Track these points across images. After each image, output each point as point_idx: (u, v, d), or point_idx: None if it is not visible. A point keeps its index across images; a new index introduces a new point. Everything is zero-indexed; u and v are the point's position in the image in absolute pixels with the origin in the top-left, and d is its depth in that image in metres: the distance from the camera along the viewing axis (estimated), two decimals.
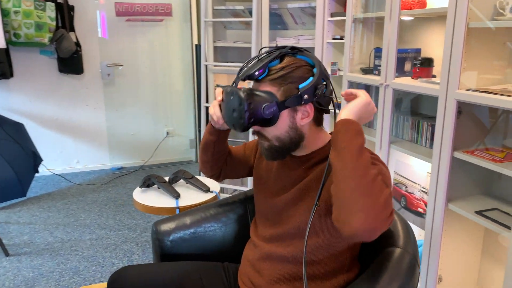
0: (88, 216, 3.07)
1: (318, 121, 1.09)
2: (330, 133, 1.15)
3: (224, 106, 1.07)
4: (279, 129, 1.04)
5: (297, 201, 1.09)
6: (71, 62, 3.69)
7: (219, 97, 1.12)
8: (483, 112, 1.76)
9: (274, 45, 2.83)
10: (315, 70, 1.03)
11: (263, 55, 1.05)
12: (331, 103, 1.07)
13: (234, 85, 1.06)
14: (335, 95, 1.08)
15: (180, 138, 4.41)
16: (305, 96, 1.00)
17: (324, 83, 1.03)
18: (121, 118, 4.13)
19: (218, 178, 1.35)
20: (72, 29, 3.67)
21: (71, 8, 3.66)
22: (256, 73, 1.01)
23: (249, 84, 1.22)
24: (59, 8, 3.53)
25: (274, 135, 1.05)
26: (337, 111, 1.06)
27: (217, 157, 1.28)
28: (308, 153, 1.11)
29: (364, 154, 0.90)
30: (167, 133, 4.34)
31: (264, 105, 0.99)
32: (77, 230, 2.86)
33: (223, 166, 1.32)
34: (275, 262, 1.13)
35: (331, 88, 1.06)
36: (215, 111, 1.13)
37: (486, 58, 1.70)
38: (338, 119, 0.96)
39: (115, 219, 3.02)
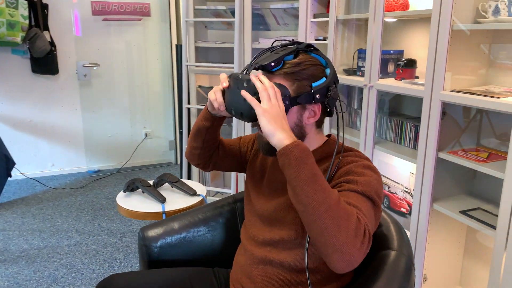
0: (65, 221, 2.97)
1: (319, 123, 1.09)
2: (327, 135, 1.14)
3: (231, 93, 1.02)
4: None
5: (292, 206, 1.07)
6: (45, 62, 3.57)
7: (225, 83, 1.06)
8: (460, 112, 1.79)
9: (257, 45, 2.81)
10: (327, 70, 1.03)
11: (277, 48, 1.03)
12: (335, 107, 1.06)
13: (246, 73, 1.02)
14: (339, 99, 1.06)
15: (159, 140, 4.34)
16: (317, 96, 1.00)
17: (335, 85, 1.03)
18: (98, 120, 4.02)
19: (205, 167, 1.30)
20: (46, 28, 3.55)
21: (45, 7, 3.54)
22: (272, 64, 0.99)
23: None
24: (32, 6, 3.41)
25: None
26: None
27: (208, 145, 1.24)
28: None
29: (316, 183, 0.85)
30: (146, 134, 4.26)
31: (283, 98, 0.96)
32: (54, 236, 2.76)
33: (214, 155, 1.28)
34: (267, 268, 1.10)
35: (338, 92, 1.06)
36: (216, 96, 1.07)
37: (468, 60, 1.73)
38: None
39: (94, 224, 2.93)
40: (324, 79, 1.01)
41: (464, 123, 1.81)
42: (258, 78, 0.96)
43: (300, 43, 1.04)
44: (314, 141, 1.09)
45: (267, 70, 1.01)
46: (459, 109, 1.79)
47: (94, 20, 3.80)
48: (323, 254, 0.85)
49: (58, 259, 2.46)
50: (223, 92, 1.07)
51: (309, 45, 1.05)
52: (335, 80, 1.03)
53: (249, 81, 0.97)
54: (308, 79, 1.00)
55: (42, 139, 3.85)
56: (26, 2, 3.32)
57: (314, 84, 1.00)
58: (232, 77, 1.03)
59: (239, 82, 1.00)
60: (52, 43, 3.56)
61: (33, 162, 3.86)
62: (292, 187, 0.88)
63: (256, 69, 1.01)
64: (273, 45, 1.06)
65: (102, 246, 2.63)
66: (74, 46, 3.78)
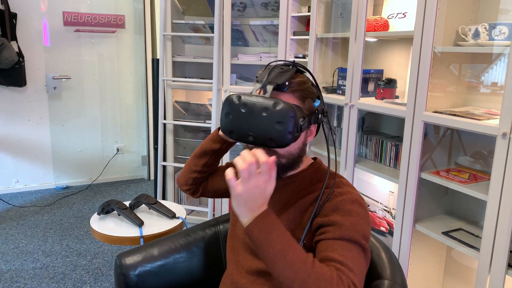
0: (31, 242, 2.80)
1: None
2: (313, 158, 1.12)
3: (250, 119, 0.92)
4: (295, 145, 1.00)
5: None
6: (12, 74, 3.41)
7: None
8: (432, 132, 1.81)
9: (236, 61, 2.78)
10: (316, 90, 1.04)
11: (274, 66, 1.00)
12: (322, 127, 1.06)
13: (261, 92, 0.95)
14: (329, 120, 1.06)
15: (131, 155, 4.21)
16: (319, 115, 1.00)
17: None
18: (68, 134, 3.87)
19: (195, 193, 1.27)
20: (14, 38, 3.39)
21: (14, 16, 3.39)
22: (287, 83, 0.96)
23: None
24: None
25: (287, 150, 1.00)
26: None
27: (208, 169, 1.21)
28: (291, 174, 1.07)
29: (284, 259, 0.83)
30: (118, 149, 4.12)
31: (300, 120, 0.93)
32: (18, 258, 2.59)
33: (204, 182, 1.25)
34: None
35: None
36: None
37: (448, 81, 1.75)
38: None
39: (62, 245, 2.78)
40: (318, 100, 1.02)
41: (442, 143, 1.83)
42: (253, 153, 0.86)
43: (294, 63, 1.03)
44: (305, 161, 1.09)
45: (281, 89, 0.97)
46: (437, 129, 1.80)
47: (65, 31, 3.68)
48: None
49: (22, 284, 2.30)
50: (227, 114, 0.96)
51: (304, 66, 1.04)
52: (322, 99, 1.05)
53: (279, 103, 0.89)
54: (311, 98, 1.00)
55: (6, 153, 3.66)
56: None
57: (315, 104, 1.00)
58: (246, 99, 0.93)
59: (264, 105, 0.90)
60: (20, 54, 3.41)
61: None
62: (265, 265, 0.86)
63: (274, 88, 0.96)
64: (269, 65, 1.03)
65: (71, 268, 2.48)
66: (44, 57, 3.63)
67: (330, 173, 1.04)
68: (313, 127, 1.04)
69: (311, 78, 1.06)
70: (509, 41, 1.45)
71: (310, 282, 0.81)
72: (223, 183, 1.24)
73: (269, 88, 0.95)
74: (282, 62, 1.02)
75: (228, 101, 0.96)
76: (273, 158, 0.86)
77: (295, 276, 0.82)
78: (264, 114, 0.90)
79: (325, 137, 1.05)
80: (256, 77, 1.01)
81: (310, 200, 1.02)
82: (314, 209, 0.98)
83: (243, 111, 0.93)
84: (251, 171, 0.84)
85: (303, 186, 1.05)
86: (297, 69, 1.01)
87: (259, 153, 0.85)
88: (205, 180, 1.26)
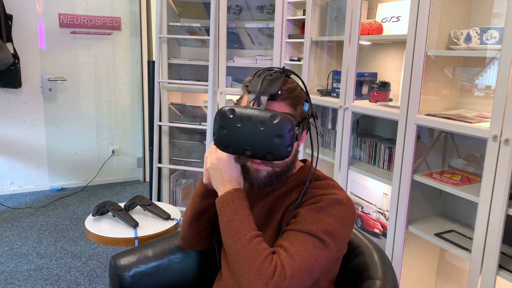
0: (25, 244, 2.80)
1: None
2: (302, 160, 1.12)
3: (247, 133, 0.89)
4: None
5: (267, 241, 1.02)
6: (7, 75, 3.40)
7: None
8: (427, 135, 1.83)
9: (232, 64, 2.79)
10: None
11: (263, 74, 0.98)
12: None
13: (254, 104, 0.93)
14: (316, 122, 1.06)
15: (126, 157, 4.21)
16: (310, 120, 1.00)
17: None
18: (63, 135, 3.86)
19: (211, 244, 1.27)
20: (9, 39, 3.39)
21: (9, 17, 3.39)
22: (279, 92, 0.95)
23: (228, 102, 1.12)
24: None
25: (283, 160, 0.98)
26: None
27: (212, 221, 1.17)
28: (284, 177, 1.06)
29: (229, 228, 0.93)
30: (113, 151, 4.12)
31: (296, 129, 0.92)
32: (12, 260, 2.58)
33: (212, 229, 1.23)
34: None
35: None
36: (219, 155, 0.99)
37: (440, 84, 1.77)
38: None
39: (57, 246, 2.78)
40: (307, 103, 1.01)
41: (436, 145, 1.85)
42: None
43: (283, 68, 1.01)
44: (295, 165, 1.08)
45: (275, 99, 0.95)
46: (431, 132, 1.82)
47: (61, 33, 3.68)
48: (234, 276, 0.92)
49: (16, 286, 2.30)
50: (221, 128, 0.93)
51: (291, 71, 1.03)
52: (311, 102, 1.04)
53: (276, 116, 0.88)
54: (302, 103, 0.99)
55: (0, 155, 3.64)
56: None
57: (306, 109, 0.99)
58: (241, 112, 0.90)
59: (261, 118, 0.88)
60: (15, 56, 3.41)
61: None
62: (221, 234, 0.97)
63: (268, 98, 0.94)
64: (259, 72, 1.01)
65: (65, 270, 2.48)
66: (40, 59, 3.63)
67: (313, 173, 1.03)
68: (304, 132, 1.03)
69: (300, 82, 1.05)
70: (500, 46, 1.47)
71: (242, 253, 0.89)
72: None
73: (263, 99, 0.92)
74: (271, 69, 1.00)
75: (221, 114, 0.92)
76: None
77: (233, 244, 0.91)
78: (262, 128, 0.88)
79: (310, 140, 1.04)
80: (247, 86, 0.98)
81: (291, 201, 1.03)
82: (292, 209, 0.99)
83: (238, 125, 0.90)
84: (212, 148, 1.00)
85: (289, 188, 1.06)
86: (286, 75, 0.99)
87: None
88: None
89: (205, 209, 1.13)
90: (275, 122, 0.87)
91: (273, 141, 0.88)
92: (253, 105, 0.93)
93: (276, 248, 0.92)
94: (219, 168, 0.98)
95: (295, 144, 0.98)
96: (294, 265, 0.88)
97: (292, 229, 0.95)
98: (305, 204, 0.98)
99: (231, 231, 0.92)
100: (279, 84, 0.95)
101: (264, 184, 1.00)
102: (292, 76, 1.03)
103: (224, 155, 0.97)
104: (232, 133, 0.91)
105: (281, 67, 1.01)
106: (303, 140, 1.04)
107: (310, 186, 1.01)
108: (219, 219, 0.96)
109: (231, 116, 0.91)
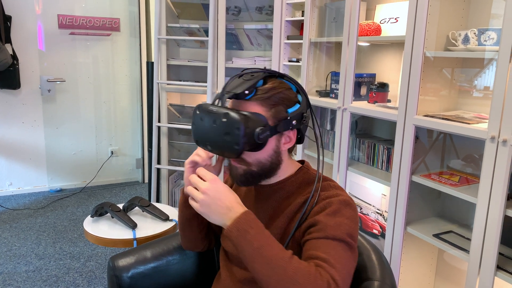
0: (24, 245, 2.79)
1: (291, 148, 1.05)
2: (299, 161, 1.12)
3: (206, 128, 0.93)
4: (263, 153, 0.98)
5: None
6: (6, 76, 3.40)
7: (202, 154, 1.03)
8: (426, 135, 1.83)
9: (231, 65, 2.80)
10: (299, 96, 1.00)
11: (245, 74, 0.98)
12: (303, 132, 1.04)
13: (219, 103, 0.95)
14: (318, 123, 1.04)
15: (125, 158, 4.21)
16: (294, 122, 0.96)
17: (308, 111, 1.01)
18: (62, 136, 3.86)
19: (210, 245, 1.27)
20: (8, 40, 3.39)
21: (8, 18, 3.39)
22: (246, 92, 0.93)
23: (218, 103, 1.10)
24: None
25: (256, 159, 0.98)
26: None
27: (204, 225, 1.19)
28: (278, 180, 1.06)
29: (261, 256, 0.85)
30: (112, 152, 4.12)
31: (258, 129, 0.91)
32: (11, 261, 2.58)
33: (209, 230, 1.24)
34: None
35: (314, 117, 1.03)
36: (199, 153, 1.03)
37: (438, 85, 1.77)
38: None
39: (55, 247, 2.77)
40: (298, 105, 0.99)
41: (435, 146, 1.85)
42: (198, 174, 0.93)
43: (268, 69, 1.01)
44: (288, 168, 1.06)
45: (241, 98, 0.95)
46: (430, 133, 1.82)
47: (60, 34, 3.68)
48: None
49: (15, 287, 2.30)
50: (192, 122, 0.99)
51: (277, 72, 1.02)
52: (308, 105, 1.01)
53: (227, 114, 0.90)
54: (283, 103, 0.96)
55: None
56: None
57: (290, 110, 0.97)
58: (203, 109, 0.94)
59: (215, 116, 0.92)
60: (14, 57, 3.41)
61: None
62: (245, 264, 0.88)
63: (230, 98, 0.95)
64: (242, 72, 1.00)
65: (64, 271, 2.48)
66: (38, 60, 3.63)
67: (318, 176, 1.03)
68: (291, 134, 1.00)
69: (291, 83, 1.01)
70: (497, 47, 1.48)
71: (287, 277, 0.82)
72: None
73: (226, 98, 0.94)
74: (250, 70, 0.99)
75: (193, 110, 0.97)
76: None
77: (272, 272, 0.83)
78: (214, 125, 0.92)
79: (316, 143, 1.04)
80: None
81: (297, 205, 1.01)
82: (300, 215, 0.97)
83: (201, 121, 0.95)
84: (202, 174, 0.92)
85: (291, 192, 1.04)
86: (269, 74, 0.98)
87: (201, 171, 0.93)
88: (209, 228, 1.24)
89: (192, 217, 1.14)
90: (223, 120, 0.90)
91: (223, 139, 0.91)
92: (217, 104, 0.95)
93: (314, 261, 0.88)
94: (211, 199, 0.90)
95: (272, 145, 0.98)
96: (341, 274, 0.87)
97: (318, 237, 0.92)
98: (316, 209, 0.97)
99: (263, 259, 0.84)
100: (249, 84, 0.94)
101: (241, 182, 1.01)
102: (291, 77, 1.02)
103: (206, 184, 0.90)
104: (197, 127, 0.96)
105: (263, 68, 1.01)
106: (291, 142, 1.02)
107: (317, 195, 0.99)
108: (239, 249, 0.88)
109: (197, 112, 0.96)
